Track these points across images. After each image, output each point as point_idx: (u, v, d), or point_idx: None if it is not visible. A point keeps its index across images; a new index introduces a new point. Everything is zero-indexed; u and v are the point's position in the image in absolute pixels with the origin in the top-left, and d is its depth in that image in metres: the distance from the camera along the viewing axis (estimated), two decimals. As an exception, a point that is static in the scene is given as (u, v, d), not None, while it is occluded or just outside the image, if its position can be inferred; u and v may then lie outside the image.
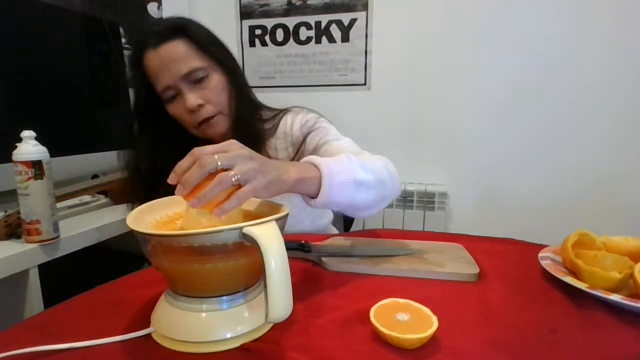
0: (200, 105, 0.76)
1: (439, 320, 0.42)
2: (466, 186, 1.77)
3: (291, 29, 1.88)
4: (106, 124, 1.29)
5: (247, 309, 0.43)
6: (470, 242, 0.70)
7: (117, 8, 1.59)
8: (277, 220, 0.39)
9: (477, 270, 0.58)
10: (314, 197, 0.54)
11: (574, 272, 0.54)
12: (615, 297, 0.46)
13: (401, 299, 0.46)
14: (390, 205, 1.73)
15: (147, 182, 0.81)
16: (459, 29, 1.67)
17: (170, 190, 0.45)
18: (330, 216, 0.98)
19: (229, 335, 0.41)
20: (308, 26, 1.86)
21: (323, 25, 1.84)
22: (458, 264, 0.60)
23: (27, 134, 0.70)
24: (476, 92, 1.70)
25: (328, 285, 0.55)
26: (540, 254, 0.60)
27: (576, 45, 1.56)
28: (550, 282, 0.55)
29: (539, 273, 0.58)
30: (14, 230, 0.77)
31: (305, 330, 0.44)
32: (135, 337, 0.43)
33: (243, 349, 0.41)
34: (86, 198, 1.06)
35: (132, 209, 0.48)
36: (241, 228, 0.37)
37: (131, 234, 0.41)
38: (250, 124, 0.83)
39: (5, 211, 0.79)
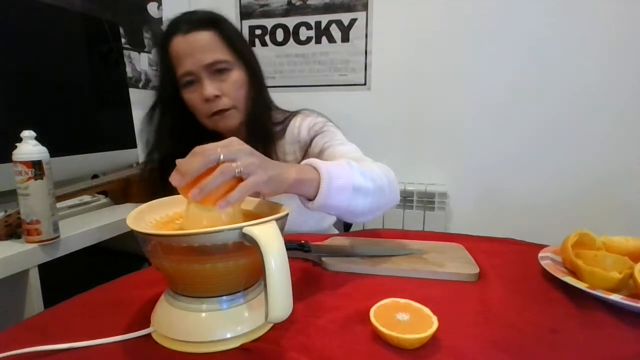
0: (217, 96, 0.78)
1: (439, 320, 0.42)
2: (466, 186, 1.77)
3: (291, 29, 1.88)
4: (106, 124, 1.29)
5: (247, 309, 0.43)
6: (470, 242, 0.70)
7: (117, 8, 1.59)
8: (277, 220, 0.39)
9: (477, 270, 0.58)
10: (312, 199, 0.54)
11: (574, 272, 0.54)
12: (615, 297, 0.46)
13: (401, 299, 0.46)
14: (392, 206, 1.73)
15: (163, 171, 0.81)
16: (459, 29, 1.67)
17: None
18: (333, 218, 0.98)
19: (228, 335, 0.41)
20: (308, 26, 1.86)
21: (323, 25, 1.84)
22: (458, 264, 0.60)
23: (27, 134, 0.71)
24: (476, 92, 1.70)
25: (328, 285, 0.55)
26: (540, 254, 0.60)
27: (576, 45, 1.56)
28: (550, 282, 0.55)
29: (539, 273, 0.58)
30: (14, 230, 0.77)
31: (305, 330, 0.44)
32: (135, 337, 0.43)
33: (243, 349, 0.41)
34: (86, 198, 1.06)
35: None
36: (241, 228, 0.37)
37: (131, 234, 0.41)
38: (264, 124, 0.85)
39: (5, 211, 0.79)
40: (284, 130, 0.87)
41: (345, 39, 1.82)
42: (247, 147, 0.46)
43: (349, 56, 1.83)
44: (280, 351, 0.40)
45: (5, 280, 0.69)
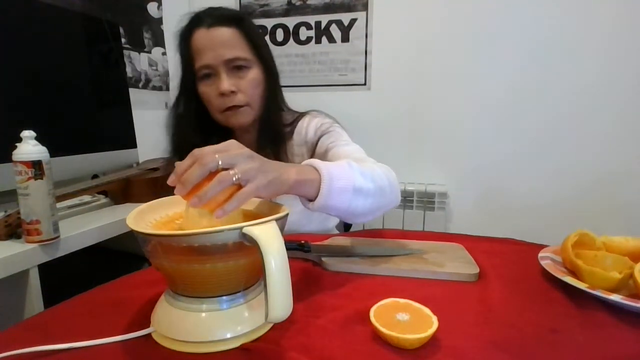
0: (233, 92, 0.79)
1: (439, 320, 0.42)
2: (466, 186, 1.77)
3: (291, 29, 1.88)
4: (106, 124, 1.29)
5: (247, 309, 0.43)
6: (470, 242, 0.70)
7: (117, 8, 1.59)
8: (277, 220, 0.39)
9: (477, 270, 0.58)
10: (313, 200, 0.54)
11: (574, 272, 0.54)
12: (615, 297, 0.46)
13: (401, 299, 0.46)
14: (392, 208, 1.73)
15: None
16: (459, 29, 1.67)
17: None
18: (337, 219, 0.98)
19: (228, 335, 0.41)
20: (308, 26, 1.86)
21: (323, 25, 1.84)
22: (458, 264, 0.60)
23: (27, 134, 0.70)
24: (476, 92, 1.70)
25: (328, 285, 0.55)
26: (540, 254, 0.60)
27: (576, 45, 1.56)
28: (550, 282, 0.55)
29: (539, 273, 0.58)
30: (14, 230, 0.77)
31: (305, 330, 0.44)
32: (135, 337, 0.43)
33: (243, 349, 0.41)
34: (86, 198, 1.06)
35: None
36: (241, 228, 0.37)
37: (131, 234, 0.41)
38: (275, 124, 0.86)
39: (5, 211, 0.79)
40: (292, 132, 0.88)
41: (345, 39, 1.82)
42: (246, 151, 0.46)
43: (349, 56, 1.83)
44: (280, 351, 0.40)
45: (5, 280, 0.69)
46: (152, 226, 0.47)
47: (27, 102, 1.02)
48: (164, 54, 1.84)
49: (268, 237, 0.37)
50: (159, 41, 1.81)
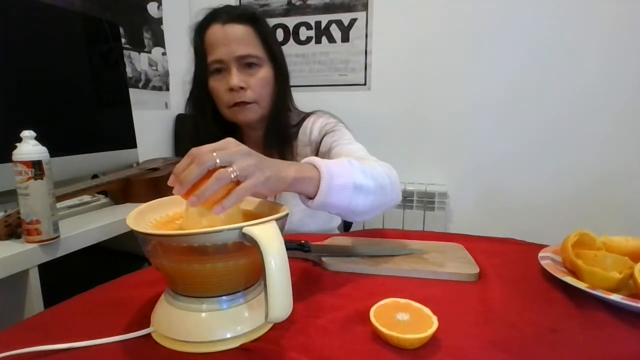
0: (242, 88, 0.80)
1: (439, 320, 0.42)
2: (466, 186, 1.77)
3: (291, 29, 1.88)
4: (106, 124, 1.29)
5: (247, 309, 0.43)
6: (470, 242, 0.70)
7: (117, 8, 1.59)
8: (277, 220, 0.39)
9: (477, 270, 0.58)
10: (312, 197, 0.54)
11: (574, 272, 0.54)
12: (615, 297, 0.46)
13: (401, 299, 0.46)
14: (393, 206, 1.73)
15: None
16: (459, 29, 1.67)
17: None
18: (339, 219, 0.98)
19: (228, 335, 0.41)
20: (308, 26, 1.86)
21: (323, 25, 1.84)
22: (458, 264, 0.60)
23: (27, 134, 0.70)
24: (476, 92, 1.70)
25: (328, 285, 0.55)
26: (540, 254, 0.60)
27: (576, 45, 1.56)
28: (550, 282, 0.55)
29: (539, 273, 0.58)
30: (14, 230, 0.77)
31: (305, 330, 0.44)
32: (135, 337, 0.43)
33: (243, 349, 0.41)
34: (86, 198, 1.06)
35: None
36: (241, 228, 0.37)
37: (131, 234, 0.41)
38: (282, 123, 0.87)
39: (5, 211, 0.79)
40: (297, 132, 0.89)
41: (345, 39, 1.82)
42: (243, 148, 0.46)
43: (349, 56, 1.83)
44: (280, 351, 0.40)
45: (5, 280, 0.69)
46: (152, 226, 0.47)
47: (27, 102, 1.02)
48: (164, 54, 1.84)
49: (268, 237, 0.37)
50: (159, 41, 1.81)
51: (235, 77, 0.79)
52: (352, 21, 1.80)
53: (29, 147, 0.70)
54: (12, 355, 0.39)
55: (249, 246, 0.38)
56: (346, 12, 1.80)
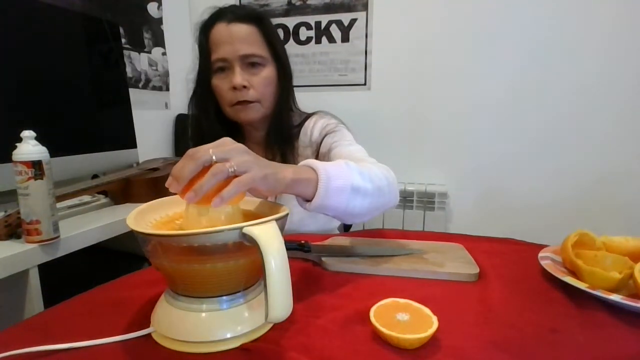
0: (245, 87, 0.80)
1: (439, 320, 0.42)
2: (466, 186, 1.77)
3: (291, 29, 1.88)
4: (106, 124, 1.29)
5: (247, 309, 0.43)
6: (470, 242, 0.70)
7: (117, 8, 1.59)
8: (277, 220, 0.39)
9: (477, 270, 0.58)
10: (310, 200, 0.54)
11: (574, 272, 0.54)
12: (615, 297, 0.46)
13: (401, 299, 0.46)
14: (391, 207, 1.74)
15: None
16: (459, 29, 1.67)
17: None
18: (338, 221, 0.98)
19: (228, 335, 0.41)
20: (308, 26, 1.86)
21: (323, 25, 1.84)
22: (458, 264, 0.60)
23: (27, 134, 0.70)
24: (476, 92, 1.70)
25: (328, 285, 0.55)
26: (540, 254, 0.60)
27: (576, 45, 1.56)
28: (550, 282, 0.55)
29: (539, 273, 0.58)
30: (14, 230, 0.77)
31: (305, 330, 0.44)
32: (135, 337, 0.43)
33: (243, 349, 0.41)
34: (86, 198, 1.06)
35: None
36: (241, 228, 0.37)
37: (131, 234, 0.41)
38: (284, 123, 0.87)
39: (5, 211, 0.79)
40: (298, 133, 0.89)
41: (345, 39, 1.82)
42: (240, 146, 0.46)
43: (349, 56, 1.83)
44: (280, 351, 0.40)
45: (5, 280, 0.69)
46: (152, 226, 0.47)
47: (27, 102, 1.02)
48: (164, 54, 1.84)
49: (268, 237, 0.37)
50: (159, 41, 1.81)
51: (239, 76, 0.79)
52: (352, 21, 1.80)
53: (29, 147, 0.70)
54: (12, 355, 0.39)
55: (249, 246, 0.38)
56: (346, 12, 1.80)
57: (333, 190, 0.54)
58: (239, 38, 0.79)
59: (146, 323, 0.44)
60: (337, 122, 0.89)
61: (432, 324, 0.41)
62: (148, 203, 0.50)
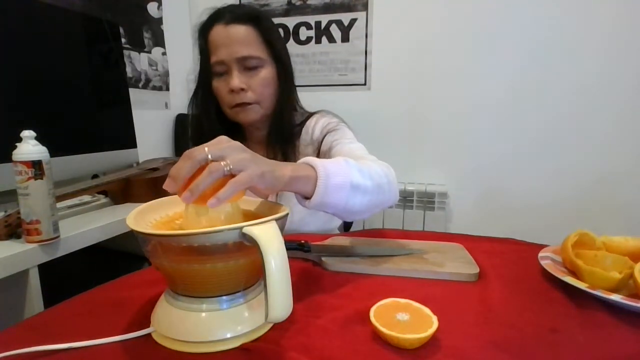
0: (242, 90, 0.80)
1: (439, 320, 0.42)
2: (466, 186, 1.77)
3: (291, 29, 1.88)
4: (106, 124, 1.29)
5: (247, 309, 0.43)
6: (470, 242, 0.70)
7: (117, 8, 1.59)
8: (277, 220, 0.39)
9: (477, 270, 0.58)
10: (309, 197, 0.54)
11: (574, 272, 0.54)
12: (615, 297, 0.46)
13: (401, 299, 0.46)
14: (390, 205, 1.74)
15: None
16: (459, 29, 1.67)
17: None
18: (339, 221, 0.98)
19: (228, 335, 0.41)
20: (308, 26, 1.86)
21: (323, 25, 1.84)
22: (458, 264, 0.60)
23: (27, 134, 0.70)
24: (476, 92, 1.70)
25: (328, 285, 0.55)
26: (540, 254, 0.60)
27: (576, 45, 1.56)
28: (550, 282, 0.55)
29: (539, 273, 0.58)
30: (14, 230, 0.77)
31: (305, 330, 0.44)
32: (135, 337, 0.43)
33: (243, 349, 0.41)
34: (86, 198, 1.06)
35: None
36: (241, 228, 0.37)
37: (131, 234, 0.41)
38: (286, 123, 0.87)
39: (5, 211, 0.79)
40: (299, 132, 0.89)
41: (345, 39, 1.82)
42: (236, 144, 0.45)
43: (349, 56, 1.83)
44: (280, 351, 0.40)
45: (5, 280, 0.69)
46: (152, 226, 0.47)
47: (27, 102, 1.02)
48: (164, 54, 1.84)
49: (268, 237, 0.37)
50: (159, 41, 1.81)
51: (236, 79, 0.79)
52: (352, 21, 1.80)
53: (29, 147, 0.70)
54: (12, 355, 0.39)
55: (249, 246, 0.38)
56: (346, 12, 1.80)
57: (332, 188, 0.53)
58: (236, 40, 0.79)
59: (146, 323, 0.44)
60: (339, 120, 0.89)
61: (432, 324, 0.41)
62: (148, 203, 0.50)
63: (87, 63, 1.22)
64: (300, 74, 1.89)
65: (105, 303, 0.51)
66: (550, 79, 1.61)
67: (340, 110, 0.94)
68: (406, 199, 1.74)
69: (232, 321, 0.42)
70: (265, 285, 0.36)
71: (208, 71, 0.83)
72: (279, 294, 0.36)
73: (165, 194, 0.50)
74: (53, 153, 0.73)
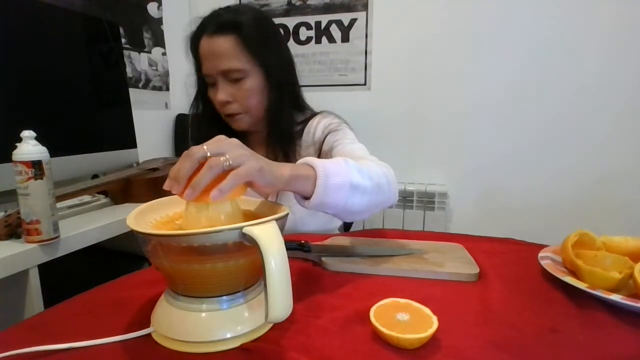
0: (228, 102, 0.81)
1: (439, 320, 0.42)
2: (466, 186, 1.77)
3: (291, 29, 1.88)
4: (106, 124, 1.29)
5: (247, 309, 0.43)
6: (470, 242, 0.70)
7: (117, 8, 1.59)
8: (277, 220, 0.39)
9: (477, 270, 0.58)
10: (308, 197, 0.54)
11: (574, 272, 0.54)
12: (615, 297, 0.46)
13: (401, 299, 0.46)
14: (391, 205, 1.74)
15: None
16: (459, 29, 1.67)
17: None
18: (339, 221, 0.98)
19: (228, 335, 0.41)
20: (308, 26, 1.86)
21: (323, 25, 1.84)
22: (458, 264, 0.60)
23: (27, 134, 0.70)
24: (476, 92, 1.70)
25: (328, 285, 0.55)
26: (540, 254, 0.60)
27: (576, 45, 1.56)
28: (550, 282, 0.55)
29: (539, 273, 0.58)
30: (14, 230, 0.77)
31: (305, 330, 0.44)
32: (135, 337, 0.43)
33: (243, 349, 0.41)
34: (86, 198, 1.06)
35: None
36: (241, 228, 0.37)
37: (131, 234, 0.41)
38: (285, 125, 0.86)
39: (5, 211, 0.79)
40: (301, 132, 0.89)
41: (345, 39, 1.82)
42: (234, 141, 0.46)
43: (349, 56, 1.83)
44: (280, 351, 0.40)
45: (5, 280, 0.69)
46: (152, 226, 0.47)
47: (27, 102, 1.02)
48: (164, 54, 1.84)
49: (268, 237, 0.37)
50: (159, 41, 1.81)
51: (221, 93, 0.80)
52: (352, 21, 1.80)
53: (29, 147, 0.70)
54: (12, 355, 0.39)
55: (249, 246, 0.38)
56: (346, 12, 1.80)
57: (332, 187, 0.53)
58: (218, 53, 0.78)
59: (146, 323, 0.44)
60: (340, 121, 0.89)
61: (432, 324, 0.41)
62: (148, 203, 0.50)
63: (87, 63, 1.22)
64: (300, 74, 1.89)
65: (105, 303, 0.51)
66: (550, 79, 1.61)
67: (340, 110, 0.94)
68: (406, 199, 1.74)
69: (232, 321, 0.42)
70: (265, 285, 0.36)
71: (202, 82, 0.84)
72: (279, 294, 0.36)
73: (165, 194, 0.50)
74: (53, 153, 0.73)
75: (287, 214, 0.45)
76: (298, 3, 1.85)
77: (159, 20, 1.81)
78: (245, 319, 0.42)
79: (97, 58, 1.25)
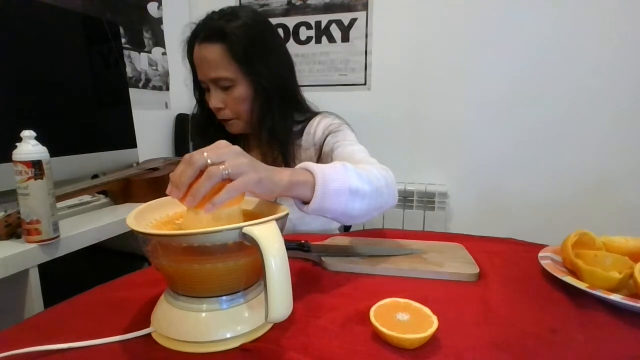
0: (220, 108, 0.82)
1: (439, 320, 0.42)
2: (466, 186, 1.77)
3: (291, 29, 1.88)
4: (106, 124, 1.29)
5: (247, 309, 0.43)
6: (470, 242, 0.70)
7: (117, 8, 1.59)
8: (277, 220, 0.39)
9: (477, 270, 0.58)
10: (307, 202, 0.54)
11: (574, 272, 0.54)
12: (615, 297, 0.46)
13: (401, 298, 0.46)
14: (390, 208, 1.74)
15: None
16: (459, 29, 1.67)
17: None
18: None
19: (228, 335, 0.41)
20: (308, 26, 1.86)
21: (323, 25, 1.84)
22: (458, 264, 0.60)
23: (27, 134, 0.70)
24: (476, 92, 1.70)
25: (328, 285, 0.55)
26: (540, 254, 0.60)
27: (576, 45, 1.56)
28: (550, 282, 0.55)
29: (539, 273, 0.58)
30: (14, 230, 0.77)
31: (305, 330, 0.44)
32: (135, 337, 0.43)
33: (243, 349, 0.41)
34: (86, 198, 1.06)
35: None
36: (241, 228, 0.37)
37: (131, 234, 0.41)
38: (279, 129, 0.85)
39: (5, 211, 0.79)
40: (301, 132, 0.89)
41: (345, 39, 1.82)
42: (235, 148, 0.46)
43: (349, 56, 1.83)
44: (280, 351, 0.40)
45: (5, 280, 0.69)
46: (152, 226, 0.47)
47: (27, 102, 1.02)
48: (164, 54, 1.84)
49: (268, 237, 0.37)
50: (159, 41, 1.81)
51: (213, 99, 0.82)
52: (352, 21, 1.80)
53: (29, 147, 0.70)
54: (12, 355, 0.39)
55: (249, 246, 0.38)
56: (346, 12, 1.80)
57: (330, 193, 0.53)
58: (206, 62, 0.79)
59: (146, 323, 0.44)
60: (341, 122, 0.89)
61: (432, 324, 0.41)
62: (148, 203, 0.50)
63: (87, 63, 1.22)
64: (300, 74, 1.88)
65: (105, 303, 0.51)
66: (550, 79, 1.61)
67: (340, 110, 0.94)
68: (406, 199, 1.74)
69: (232, 321, 0.42)
70: (265, 285, 0.36)
71: (199, 83, 0.86)
72: (279, 294, 0.36)
73: (165, 194, 0.50)
74: (53, 153, 0.73)
75: (287, 214, 0.45)
76: (298, 3, 1.85)
77: (159, 20, 1.81)
78: (245, 319, 0.42)
79: (97, 58, 1.25)
